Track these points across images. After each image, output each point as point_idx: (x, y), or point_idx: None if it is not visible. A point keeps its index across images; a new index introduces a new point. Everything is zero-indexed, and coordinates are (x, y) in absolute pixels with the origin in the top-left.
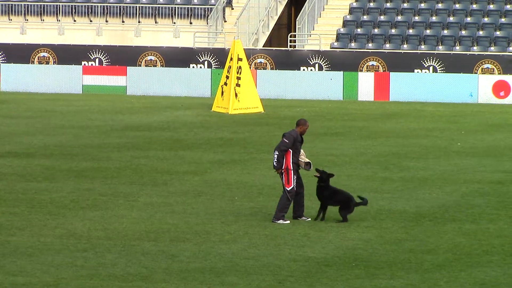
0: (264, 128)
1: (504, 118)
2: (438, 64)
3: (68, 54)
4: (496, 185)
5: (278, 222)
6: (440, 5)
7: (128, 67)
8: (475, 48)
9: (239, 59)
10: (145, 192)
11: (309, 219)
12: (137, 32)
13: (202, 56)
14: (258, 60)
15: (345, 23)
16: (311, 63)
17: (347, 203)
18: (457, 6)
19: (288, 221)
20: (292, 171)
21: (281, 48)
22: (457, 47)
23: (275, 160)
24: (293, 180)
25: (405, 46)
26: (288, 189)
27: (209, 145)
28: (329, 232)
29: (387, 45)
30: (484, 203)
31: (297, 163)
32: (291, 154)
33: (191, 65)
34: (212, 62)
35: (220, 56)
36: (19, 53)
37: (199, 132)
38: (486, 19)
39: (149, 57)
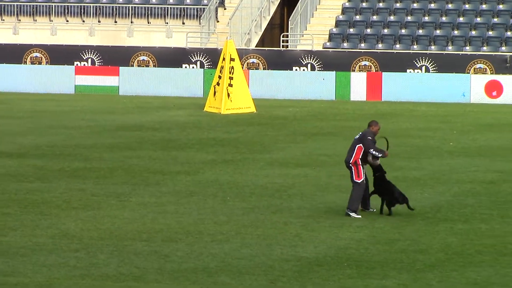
0: (257, 128)
1: (497, 118)
2: (430, 64)
3: (60, 54)
4: (488, 184)
5: (352, 214)
6: (432, 5)
7: (120, 67)
8: (467, 48)
9: (232, 59)
10: (137, 192)
11: (374, 209)
12: (130, 32)
13: (194, 56)
14: (251, 60)
15: (338, 23)
16: (304, 63)
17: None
18: (450, 6)
19: (360, 216)
20: (361, 165)
21: (273, 48)
22: (450, 47)
23: (379, 154)
24: (363, 173)
25: (397, 46)
26: (359, 181)
27: (202, 145)
28: (321, 232)
29: (380, 45)
30: (476, 203)
31: (365, 159)
32: (362, 150)
33: (184, 65)
34: (204, 62)
35: (212, 56)
36: (12, 53)
37: (191, 132)
38: (478, 19)
39: (141, 57)
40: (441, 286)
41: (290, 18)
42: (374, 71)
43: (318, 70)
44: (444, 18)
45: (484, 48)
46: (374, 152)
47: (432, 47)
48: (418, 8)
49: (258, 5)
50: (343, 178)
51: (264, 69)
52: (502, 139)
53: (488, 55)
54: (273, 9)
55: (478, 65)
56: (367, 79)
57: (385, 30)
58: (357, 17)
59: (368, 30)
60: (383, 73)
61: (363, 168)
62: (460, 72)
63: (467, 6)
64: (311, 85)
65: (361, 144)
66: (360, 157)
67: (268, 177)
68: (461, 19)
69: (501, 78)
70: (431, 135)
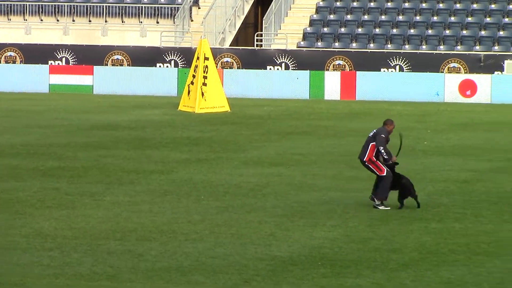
0: (231, 127)
1: (470, 117)
2: (404, 63)
3: (35, 54)
4: (462, 184)
5: (381, 207)
6: (406, 4)
7: (95, 67)
8: (441, 47)
9: (206, 58)
10: (111, 191)
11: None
12: (104, 31)
13: (168, 55)
14: (225, 59)
15: (312, 22)
16: (278, 62)
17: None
18: (424, 5)
19: (389, 208)
20: (378, 161)
21: (247, 47)
22: (424, 46)
23: (385, 155)
24: (383, 165)
25: (371, 45)
26: (384, 175)
27: (176, 144)
28: (295, 231)
29: (354, 44)
30: (450, 202)
31: (377, 157)
32: (375, 148)
33: (158, 64)
34: (178, 61)
35: (186, 55)
36: None
37: (165, 131)
38: (452, 18)
39: (115, 56)
40: (415, 285)
41: (264, 17)
42: (348, 70)
43: (292, 69)
44: (418, 17)
45: (458, 47)
46: (382, 150)
47: (406, 46)
48: (392, 8)
49: (232, 4)
50: (317, 177)
51: (238, 68)
52: (475, 138)
53: (462, 54)
54: (247, 8)
55: (452, 64)
56: (341, 78)
57: (359, 29)
58: (331, 16)
59: (342, 29)
60: (357, 72)
61: (380, 162)
62: (434, 71)
63: (441, 5)
64: (285, 84)
65: (374, 142)
66: (374, 154)
67: (242, 176)
68: (435, 18)
69: (475, 77)
70: (406, 134)
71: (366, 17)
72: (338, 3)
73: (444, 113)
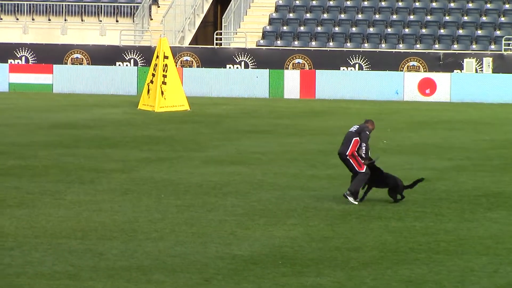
0: (190, 126)
1: (430, 115)
2: (364, 62)
3: None
4: (422, 182)
5: (349, 198)
6: (366, 3)
7: (54, 65)
8: (401, 45)
9: (165, 57)
10: (72, 190)
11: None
12: (64, 30)
13: (128, 54)
14: (184, 58)
15: (271, 21)
16: (237, 61)
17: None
18: (383, 4)
19: (357, 203)
20: (358, 157)
21: (207, 46)
22: (383, 45)
23: (363, 153)
24: (362, 162)
25: (331, 43)
26: (363, 171)
27: (136, 143)
28: (255, 230)
29: (313, 43)
30: (411, 201)
31: (358, 152)
32: (358, 143)
33: (118, 63)
34: (138, 60)
35: (146, 54)
36: None
37: (125, 130)
38: (411, 17)
39: (75, 55)
40: (375, 284)
41: (223, 16)
42: (308, 69)
43: (252, 68)
44: (377, 16)
45: (418, 45)
46: (363, 147)
47: (366, 44)
48: (351, 6)
49: (192, 3)
50: (277, 176)
51: (197, 66)
52: (435, 137)
53: (422, 53)
54: (206, 6)
55: (411, 63)
56: (300, 77)
57: (319, 28)
58: (291, 15)
59: (302, 28)
60: (316, 70)
61: (361, 157)
62: (394, 70)
63: (400, 4)
64: (244, 83)
65: (357, 138)
66: (356, 149)
67: (202, 175)
68: (394, 16)
69: (434, 75)
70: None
71: (325, 15)
72: (297, 2)
73: (403, 112)
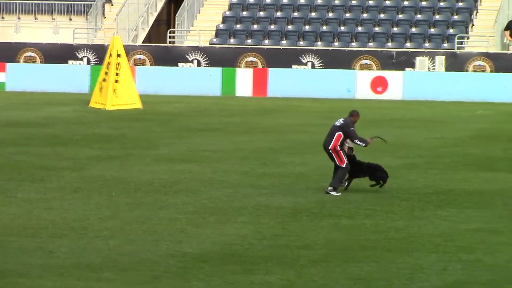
0: (142, 124)
1: (382, 113)
2: (316, 60)
3: None
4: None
5: (332, 193)
6: (319, 1)
7: (7, 63)
8: (353, 44)
9: (118, 55)
10: (23, 188)
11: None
12: (17, 28)
13: (81, 52)
14: (137, 56)
15: (225, 19)
16: (190, 59)
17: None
18: (336, 2)
19: (340, 194)
20: (341, 151)
21: (160, 44)
22: (336, 43)
23: (362, 144)
24: (345, 157)
25: (284, 42)
26: (343, 166)
27: (87, 141)
28: (206, 228)
29: (266, 41)
30: (361, 198)
31: (341, 146)
32: (341, 137)
33: (71, 61)
34: (91, 59)
35: (99, 53)
36: None
37: (77, 128)
38: (365, 15)
39: (28, 53)
40: (325, 281)
41: (177, 14)
42: (261, 67)
43: (205, 66)
44: (330, 14)
45: (370, 44)
46: (358, 143)
47: (319, 43)
48: (304, 4)
49: (145, 1)
50: (228, 174)
51: (150, 65)
52: (387, 135)
53: (374, 51)
54: (160, 5)
55: (364, 61)
56: (253, 75)
57: (272, 26)
58: (244, 13)
59: (255, 26)
60: (269, 69)
61: (343, 152)
62: (347, 68)
63: (353, 2)
64: (197, 81)
65: (341, 132)
66: (339, 143)
67: (153, 173)
68: (347, 15)
69: (387, 74)
70: (316, 131)
71: (278, 14)
72: (251, 0)
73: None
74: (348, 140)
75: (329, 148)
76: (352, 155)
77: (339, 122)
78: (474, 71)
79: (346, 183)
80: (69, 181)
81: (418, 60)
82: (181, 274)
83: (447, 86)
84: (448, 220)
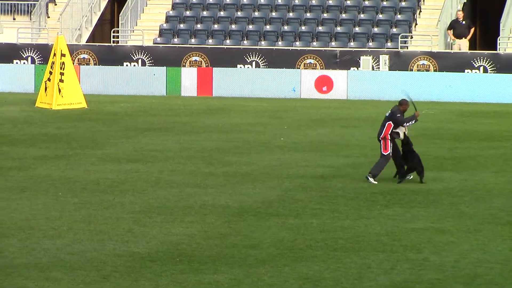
0: (88, 124)
1: (327, 113)
2: (260, 60)
3: None
4: (319, 179)
5: (370, 180)
6: (263, 1)
7: None
8: (297, 43)
9: (62, 55)
10: None
11: (411, 177)
12: None
13: (25, 52)
14: (82, 56)
15: (168, 19)
16: (134, 59)
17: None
18: (280, 1)
19: (376, 182)
20: (389, 140)
21: (104, 44)
22: (280, 42)
23: (411, 123)
24: (390, 147)
25: (228, 41)
26: (386, 154)
27: (33, 141)
28: (153, 227)
29: (210, 41)
30: (307, 198)
31: (392, 134)
32: (391, 126)
33: (15, 61)
34: (35, 58)
35: (43, 52)
36: None
37: (23, 127)
38: (308, 14)
39: None
40: (273, 281)
41: (120, 14)
42: (205, 66)
43: (149, 66)
44: (274, 14)
45: (314, 43)
46: (407, 124)
47: (263, 42)
48: (248, 4)
49: (89, 1)
50: (174, 174)
51: (95, 64)
52: (332, 134)
53: (318, 50)
54: (103, 4)
55: (308, 60)
56: (197, 74)
57: (216, 26)
58: (188, 12)
59: (199, 26)
60: (213, 68)
61: (391, 142)
62: (291, 67)
63: (297, 1)
64: (142, 80)
65: (390, 122)
66: (390, 132)
67: (100, 172)
68: (291, 14)
69: (331, 73)
70: (261, 130)
71: (222, 13)
72: (194, 0)
73: (300, 109)
74: (401, 128)
75: (380, 137)
76: (409, 144)
77: (388, 112)
78: (418, 70)
79: (407, 177)
80: (16, 181)
81: (362, 59)
82: (129, 274)
83: (391, 85)
84: (395, 220)
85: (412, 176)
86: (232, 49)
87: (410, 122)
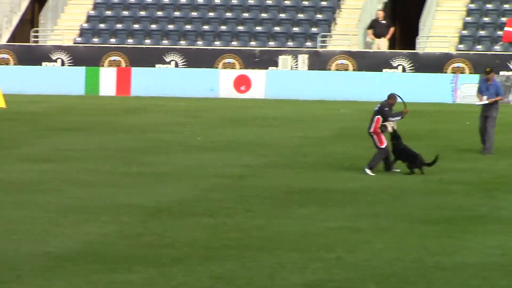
0: (7, 124)
1: (245, 112)
2: (180, 59)
3: None
4: (235, 179)
5: (368, 171)
6: (183, 1)
7: None
8: (217, 43)
9: None
10: None
11: (399, 170)
12: None
13: None
14: (1, 56)
15: (89, 19)
16: (54, 59)
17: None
18: (200, 1)
19: (374, 174)
20: (381, 133)
21: (24, 44)
22: (200, 42)
23: (397, 118)
24: (384, 139)
25: (148, 41)
26: (382, 147)
27: None
28: (67, 227)
29: (130, 40)
30: (223, 197)
31: (380, 128)
32: (380, 120)
33: None
34: None
35: None
36: None
37: None
38: (228, 14)
39: None
40: (186, 280)
41: (40, 14)
42: (124, 66)
43: (68, 65)
44: (194, 13)
45: (234, 42)
46: (393, 119)
47: (182, 42)
48: (168, 3)
49: (9, 0)
50: (90, 173)
51: (15, 64)
52: (250, 134)
53: (237, 50)
54: (24, 4)
55: (227, 60)
56: (116, 74)
57: (136, 25)
58: (108, 12)
59: (119, 25)
60: (132, 68)
61: (383, 135)
62: (210, 67)
63: (217, 1)
64: (61, 80)
65: (379, 116)
66: (379, 126)
67: (16, 172)
68: (211, 14)
69: (250, 72)
70: (179, 130)
71: (142, 13)
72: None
73: (218, 109)
74: (389, 122)
75: (371, 131)
76: (398, 137)
77: (378, 106)
78: (337, 69)
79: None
80: None
81: (281, 58)
82: (43, 273)
83: (310, 85)
84: (310, 219)
85: (400, 170)
86: (152, 48)
87: (396, 118)
